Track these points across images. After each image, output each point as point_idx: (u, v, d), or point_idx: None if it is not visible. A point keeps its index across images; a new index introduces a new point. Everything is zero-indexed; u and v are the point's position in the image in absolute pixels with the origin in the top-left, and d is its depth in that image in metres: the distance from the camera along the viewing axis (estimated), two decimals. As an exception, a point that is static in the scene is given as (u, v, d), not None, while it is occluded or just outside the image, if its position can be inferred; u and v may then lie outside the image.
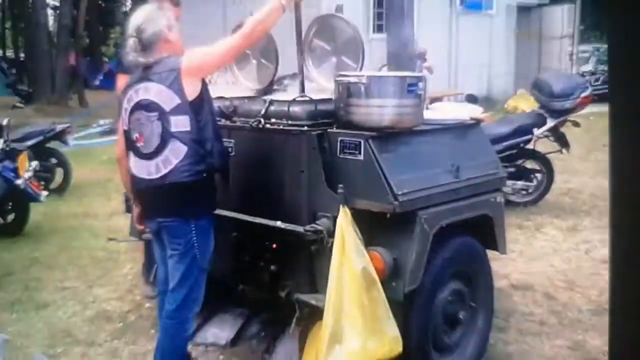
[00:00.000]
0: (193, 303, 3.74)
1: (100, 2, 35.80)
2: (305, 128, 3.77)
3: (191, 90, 3.51)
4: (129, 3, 38.20)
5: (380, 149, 3.59)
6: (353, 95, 3.64)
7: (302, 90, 3.99)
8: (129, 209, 4.50)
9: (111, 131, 12.74)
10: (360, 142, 3.61)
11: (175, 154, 3.49)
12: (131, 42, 3.60)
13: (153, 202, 3.69)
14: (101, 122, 15.60)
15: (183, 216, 3.60)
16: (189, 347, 4.04)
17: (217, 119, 3.87)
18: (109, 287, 5.65)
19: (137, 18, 3.64)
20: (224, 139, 3.91)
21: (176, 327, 3.75)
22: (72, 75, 23.45)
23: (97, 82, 28.12)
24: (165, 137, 3.49)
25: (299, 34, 4.09)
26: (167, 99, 3.49)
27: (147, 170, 3.57)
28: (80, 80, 23.89)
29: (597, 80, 21.04)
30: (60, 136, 9.41)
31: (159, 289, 4.02)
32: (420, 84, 3.67)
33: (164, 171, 3.52)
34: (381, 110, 3.60)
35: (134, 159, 3.64)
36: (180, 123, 3.49)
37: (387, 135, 3.66)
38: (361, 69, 4.13)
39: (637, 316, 1.51)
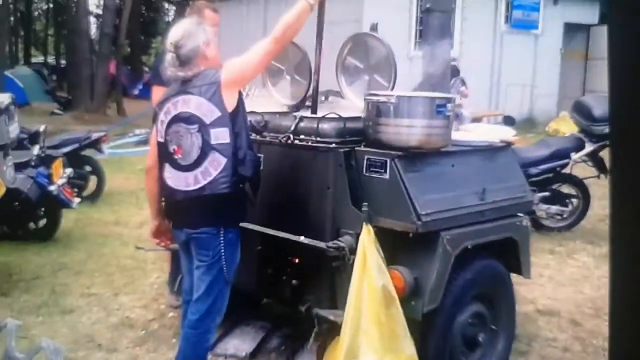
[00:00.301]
0: (216, 314, 3.83)
1: (143, 11, 36.26)
2: (333, 145, 3.87)
3: (230, 103, 3.62)
4: (171, 13, 38.71)
5: (406, 169, 3.68)
6: (382, 114, 3.74)
7: (314, 109, 4.14)
8: None
9: (147, 141, 12.82)
10: (386, 161, 3.70)
11: (215, 165, 3.59)
12: (169, 57, 3.71)
13: (186, 213, 3.78)
14: (137, 131, 15.82)
15: (214, 227, 3.69)
16: (209, 357, 4.12)
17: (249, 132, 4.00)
18: (134, 295, 5.77)
19: (176, 33, 3.74)
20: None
21: (198, 336, 3.83)
22: (112, 84, 23.79)
23: (136, 92, 28.51)
24: (206, 149, 3.60)
25: (319, 34, 4.18)
26: (207, 111, 3.60)
27: (185, 182, 3.67)
28: (119, 89, 24.23)
29: (644, 104, 20.89)
30: (95, 144, 9.61)
31: (183, 298, 4.12)
32: (449, 105, 3.76)
33: (202, 182, 3.62)
34: (409, 130, 3.69)
35: (171, 171, 3.73)
36: (221, 135, 3.60)
37: (414, 155, 3.76)
38: (393, 88, 4.22)
39: (637, 317, 1.54)
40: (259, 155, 4.13)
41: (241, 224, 3.88)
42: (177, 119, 3.69)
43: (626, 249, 1.60)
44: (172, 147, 3.71)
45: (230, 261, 3.75)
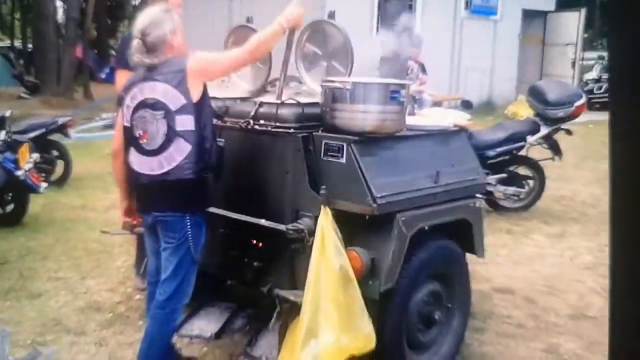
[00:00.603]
0: (183, 294, 3.86)
1: (109, -5, 35.92)
2: (292, 130, 3.90)
3: (195, 92, 3.64)
4: (138, -3, 38.26)
5: (362, 153, 3.72)
6: (338, 100, 3.77)
7: (279, 96, 4.13)
8: None
9: (113, 125, 12.80)
10: (343, 146, 3.73)
11: (180, 152, 3.63)
12: (136, 42, 3.72)
13: (153, 197, 3.81)
14: (104, 115, 15.67)
15: (181, 211, 3.73)
16: (174, 338, 4.15)
17: None
18: (101, 279, 5.77)
19: (144, 20, 3.74)
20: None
21: (166, 316, 3.86)
22: (79, 68, 23.50)
23: (103, 75, 28.08)
24: (170, 135, 3.62)
25: (289, 45, 4.22)
26: (173, 98, 3.62)
27: (150, 166, 3.69)
28: (86, 73, 23.91)
29: (600, 88, 21.12)
30: (62, 129, 9.52)
31: (148, 280, 4.16)
32: (403, 91, 3.80)
33: (167, 168, 3.65)
34: (364, 115, 3.73)
35: (136, 155, 3.75)
36: (186, 122, 3.62)
37: (369, 140, 3.79)
38: (350, 74, 4.25)
39: (636, 318, 1.55)
40: (221, 140, 4.14)
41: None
42: (144, 104, 3.70)
43: (627, 237, 1.60)
44: (138, 132, 3.72)
45: (197, 241, 3.79)
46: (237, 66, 3.95)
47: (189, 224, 3.72)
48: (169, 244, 3.77)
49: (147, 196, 3.85)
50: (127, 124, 3.78)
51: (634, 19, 1.40)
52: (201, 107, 3.68)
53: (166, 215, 3.75)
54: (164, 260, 3.84)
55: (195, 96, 3.64)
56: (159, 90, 3.65)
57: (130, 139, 3.78)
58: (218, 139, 3.87)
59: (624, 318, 1.63)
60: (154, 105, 3.66)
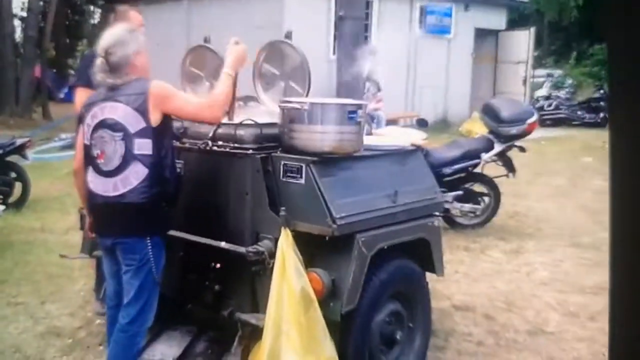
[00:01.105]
0: (146, 317, 3.78)
1: (68, 14, 35.37)
2: (250, 151, 3.83)
3: (156, 117, 3.57)
4: (97, 16, 37.89)
5: (320, 174, 3.66)
6: (296, 120, 3.72)
7: (231, 117, 4.09)
8: (83, 226, 4.52)
9: (72, 145, 12.63)
10: (302, 167, 3.68)
11: (136, 175, 3.55)
12: (99, 61, 3.64)
13: (108, 219, 3.72)
14: (63, 135, 15.45)
15: (137, 235, 3.64)
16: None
17: None
18: (61, 303, 5.61)
19: (108, 39, 3.67)
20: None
21: (128, 340, 3.77)
22: (37, 88, 23.15)
23: (62, 95, 27.77)
24: (128, 157, 3.55)
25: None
26: (133, 121, 3.55)
27: (104, 187, 3.61)
28: (45, 93, 23.52)
29: (550, 105, 21.41)
30: (20, 150, 9.33)
31: (107, 304, 4.03)
32: (360, 112, 3.75)
33: (122, 190, 3.57)
34: (322, 136, 3.69)
35: (93, 175, 3.67)
36: (144, 146, 3.55)
37: (328, 160, 3.74)
38: (307, 94, 4.21)
39: (636, 319, 1.52)
40: (179, 161, 4.06)
41: None
42: (103, 124, 3.62)
43: (626, 241, 1.54)
44: (96, 152, 3.64)
45: (158, 262, 3.71)
46: (193, 116, 3.79)
47: (149, 245, 3.64)
48: (130, 267, 3.67)
49: (103, 219, 3.76)
50: (87, 142, 3.71)
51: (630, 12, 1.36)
52: (161, 133, 3.61)
53: (124, 239, 3.66)
54: (125, 283, 3.74)
55: (156, 121, 3.57)
56: (120, 111, 3.58)
57: (89, 158, 3.71)
58: (176, 161, 3.80)
59: (623, 318, 1.58)
60: (113, 126, 3.58)
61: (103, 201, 3.64)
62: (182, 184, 3.84)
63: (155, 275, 3.69)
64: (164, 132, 3.64)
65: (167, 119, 3.67)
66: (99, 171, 3.64)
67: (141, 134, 3.55)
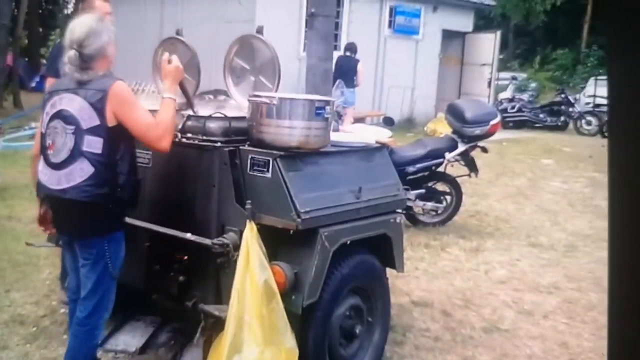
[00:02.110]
0: (103, 311, 3.74)
1: (41, 3, 34.89)
2: (219, 144, 3.82)
3: (112, 117, 3.49)
4: (70, 6, 37.39)
5: (287, 168, 3.67)
6: (265, 115, 3.72)
7: (193, 110, 4.08)
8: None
9: (41, 134, 12.50)
10: (269, 161, 3.68)
11: (81, 172, 3.46)
12: (71, 53, 3.54)
13: (60, 215, 3.69)
14: (33, 124, 15.16)
15: (91, 234, 3.61)
16: (99, 354, 4.03)
17: None
18: (25, 292, 5.55)
19: (81, 31, 3.56)
20: (142, 151, 3.95)
21: (86, 334, 3.74)
22: (9, 76, 22.82)
23: (33, 84, 27.40)
24: (75, 153, 3.46)
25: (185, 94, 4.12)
26: (87, 117, 3.47)
27: (50, 179, 3.54)
28: (16, 82, 23.19)
29: (513, 107, 21.61)
30: (-12, 137, 9.23)
31: (69, 297, 3.99)
32: (328, 108, 3.77)
33: (64, 185, 3.48)
34: (290, 131, 3.69)
35: (43, 165, 3.61)
36: (94, 144, 3.46)
37: (295, 155, 3.75)
38: (277, 89, 4.21)
39: (636, 319, 1.53)
40: (148, 152, 4.03)
41: (129, 221, 3.81)
42: (59, 115, 3.55)
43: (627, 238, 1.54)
44: (48, 142, 3.57)
45: (115, 258, 3.66)
46: (141, 134, 3.59)
47: (105, 240, 3.60)
48: (87, 261, 3.64)
49: (56, 214, 3.72)
50: (42, 131, 3.65)
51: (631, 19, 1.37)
52: (118, 135, 3.52)
53: (78, 236, 3.65)
54: (82, 277, 3.70)
55: (111, 121, 3.49)
56: (76, 104, 3.50)
57: (42, 147, 3.64)
58: (144, 152, 3.76)
59: (623, 318, 1.58)
60: (67, 118, 3.51)
61: (48, 193, 3.58)
62: (139, 190, 3.74)
63: (112, 270, 3.65)
64: (121, 134, 3.53)
65: (126, 131, 3.57)
66: (48, 162, 3.56)
67: (93, 131, 3.46)
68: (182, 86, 4.00)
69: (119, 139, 3.54)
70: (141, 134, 3.58)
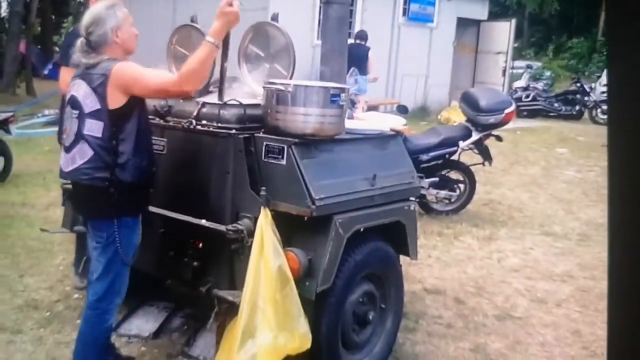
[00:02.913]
0: (114, 295, 3.76)
1: (54, -10, 35.00)
2: (233, 131, 3.84)
3: (114, 100, 3.51)
4: (83, -7, 37.47)
5: (301, 155, 3.69)
6: (279, 102, 3.72)
7: (221, 97, 4.06)
8: (64, 202, 4.54)
9: (55, 122, 12.54)
10: (283, 148, 3.70)
11: (81, 155, 3.53)
12: (80, 41, 3.62)
13: (74, 196, 3.80)
14: (46, 112, 15.25)
15: (101, 216, 3.66)
16: (113, 338, 4.07)
17: (152, 117, 3.94)
18: (39, 277, 5.59)
19: (87, 18, 3.63)
20: (157, 138, 3.98)
21: (97, 317, 3.76)
22: (22, 63, 22.88)
23: (46, 72, 27.45)
24: (77, 136, 3.54)
25: (225, 46, 4.02)
26: (88, 101, 3.52)
27: (63, 162, 3.65)
28: (29, 69, 23.25)
29: (527, 96, 21.50)
30: (3, 125, 9.23)
31: (89, 279, 4.00)
32: (343, 95, 3.78)
33: (70, 167, 3.59)
34: (305, 118, 3.70)
35: (62, 149, 3.71)
36: (94, 127, 3.51)
37: (309, 143, 3.76)
38: (292, 77, 4.22)
39: (636, 317, 1.53)
40: (162, 139, 4.06)
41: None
42: (70, 100, 3.63)
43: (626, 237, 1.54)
44: (65, 126, 3.70)
45: (126, 244, 3.68)
46: (161, 94, 3.67)
47: (116, 224, 3.62)
48: (98, 244, 3.68)
49: (71, 195, 3.84)
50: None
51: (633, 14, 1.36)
52: (121, 118, 3.53)
53: (89, 217, 3.72)
54: (93, 260, 3.74)
55: (113, 104, 3.50)
56: (82, 90, 3.56)
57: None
58: (159, 139, 3.78)
59: (622, 318, 1.58)
60: (74, 103, 3.59)
61: (62, 176, 3.71)
62: (149, 172, 3.73)
63: (123, 255, 3.67)
64: (125, 116, 3.53)
65: (132, 103, 3.55)
66: (63, 146, 3.68)
67: (94, 114, 3.51)
68: (226, 48, 3.93)
69: (123, 121, 3.55)
70: (162, 93, 3.65)
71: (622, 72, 1.44)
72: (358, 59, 13.53)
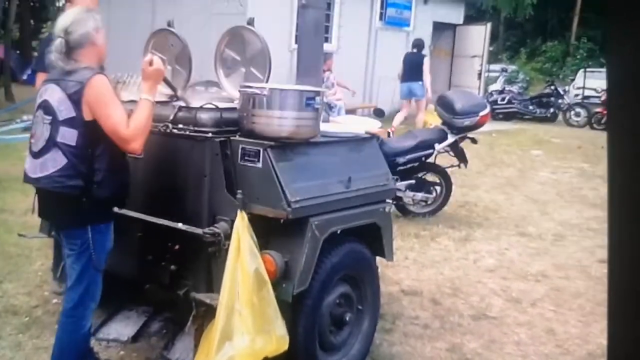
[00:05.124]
0: (89, 301, 3.74)
1: (33, -5, 34.80)
2: (210, 135, 3.83)
3: (88, 111, 3.48)
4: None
5: (277, 158, 3.69)
6: (255, 105, 3.72)
7: (187, 102, 4.07)
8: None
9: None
10: (259, 151, 3.69)
11: (53, 163, 3.48)
12: (58, 42, 3.56)
13: (42, 204, 3.71)
14: (25, 117, 15.10)
15: (72, 225, 3.62)
16: (92, 342, 4.05)
17: None
18: (18, 282, 5.54)
19: (66, 19, 3.60)
20: None
21: (73, 324, 3.74)
22: (0, 69, 22.70)
23: (25, 77, 27.22)
24: (49, 143, 3.50)
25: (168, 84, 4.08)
26: (64, 108, 3.48)
27: (29, 167, 3.60)
28: (8, 74, 23.07)
29: (503, 99, 21.63)
30: (-20, 129, 9.18)
31: (66, 285, 4.00)
32: (318, 98, 3.79)
33: (39, 174, 3.54)
34: (280, 121, 3.70)
35: (28, 153, 3.66)
36: (68, 135, 3.47)
37: (285, 145, 3.76)
38: (267, 80, 4.23)
39: (636, 318, 1.53)
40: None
41: (121, 211, 3.81)
42: (42, 105, 3.59)
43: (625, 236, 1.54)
44: (32, 131, 3.64)
45: (99, 249, 3.65)
46: (113, 135, 3.50)
47: (89, 231, 3.59)
48: (72, 252, 3.65)
49: (39, 203, 3.74)
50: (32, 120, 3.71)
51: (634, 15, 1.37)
52: (95, 129, 3.49)
53: (61, 226, 3.67)
54: (68, 267, 3.72)
55: (88, 116, 3.48)
56: (56, 95, 3.52)
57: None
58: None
59: (622, 318, 1.58)
60: (46, 108, 3.54)
61: (26, 181, 3.64)
62: (123, 190, 3.73)
63: (96, 262, 3.64)
64: (100, 130, 3.49)
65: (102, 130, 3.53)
66: (30, 151, 3.62)
67: (68, 122, 3.47)
68: (165, 80, 3.97)
69: (99, 134, 3.51)
70: (111, 132, 3.50)
71: (622, 72, 1.45)
72: (415, 66, 14.65)
